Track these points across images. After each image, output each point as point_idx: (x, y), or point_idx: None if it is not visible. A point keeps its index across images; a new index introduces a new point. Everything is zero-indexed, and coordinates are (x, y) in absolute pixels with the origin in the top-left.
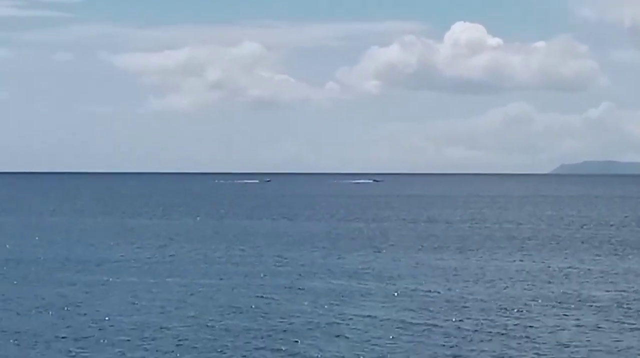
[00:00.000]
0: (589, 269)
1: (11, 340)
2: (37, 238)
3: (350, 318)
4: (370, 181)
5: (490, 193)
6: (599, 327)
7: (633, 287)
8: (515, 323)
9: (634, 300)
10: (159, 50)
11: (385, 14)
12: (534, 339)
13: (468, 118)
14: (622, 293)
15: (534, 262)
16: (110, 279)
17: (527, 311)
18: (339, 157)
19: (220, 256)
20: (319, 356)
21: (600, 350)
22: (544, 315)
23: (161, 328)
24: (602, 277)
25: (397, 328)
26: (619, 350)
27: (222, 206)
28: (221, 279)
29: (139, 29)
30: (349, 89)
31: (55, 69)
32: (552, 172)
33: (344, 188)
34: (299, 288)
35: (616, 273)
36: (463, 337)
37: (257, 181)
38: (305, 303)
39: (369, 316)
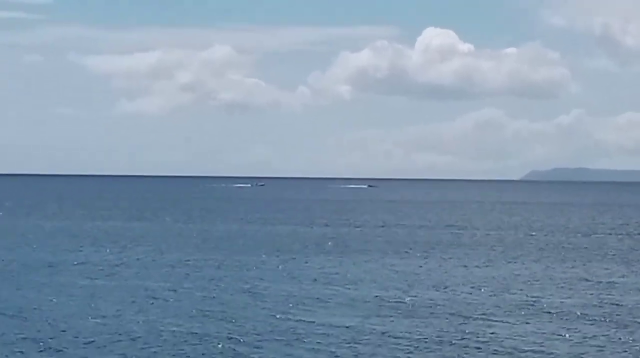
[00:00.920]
0: (552, 276)
1: None
2: None
3: (309, 324)
4: (365, 186)
5: (458, 199)
6: (558, 335)
7: (594, 295)
8: (475, 329)
9: (594, 307)
10: (130, 52)
11: (357, 19)
12: (491, 346)
13: (439, 123)
14: (583, 300)
15: (498, 268)
16: (70, 282)
17: (487, 318)
18: (310, 162)
19: (184, 260)
20: None
21: None
22: (504, 321)
23: (118, 332)
24: (564, 284)
25: (355, 334)
26: None
27: (196, 209)
28: (183, 283)
29: (110, 31)
30: (320, 94)
31: (25, 71)
32: (523, 178)
33: (333, 193)
34: (260, 293)
35: (579, 281)
36: (420, 344)
37: (249, 185)
38: (266, 308)
39: (328, 322)
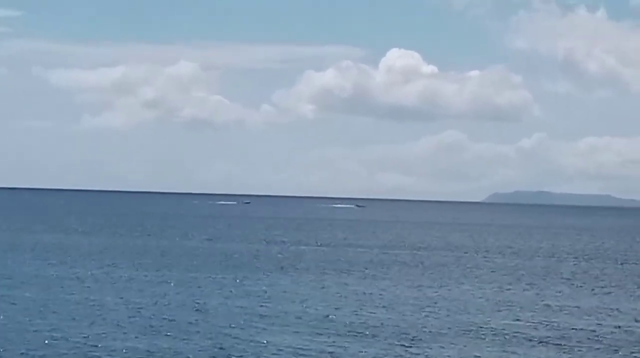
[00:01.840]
0: (502, 299)
1: None
2: None
3: (253, 342)
4: (353, 206)
5: (420, 220)
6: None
7: (542, 317)
8: (419, 351)
9: (540, 329)
10: (94, 67)
11: (322, 39)
12: None
13: (402, 144)
14: (529, 323)
15: (450, 289)
16: (21, 296)
17: (433, 339)
18: (273, 180)
19: (140, 275)
20: None
21: None
22: (450, 343)
23: (64, 347)
24: (513, 306)
25: (298, 352)
26: None
27: (157, 226)
28: (134, 298)
29: (75, 46)
30: (284, 112)
31: None
32: (485, 200)
33: (317, 212)
34: (210, 310)
35: (527, 303)
36: None
37: (235, 203)
38: (214, 325)
39: (273, 340)
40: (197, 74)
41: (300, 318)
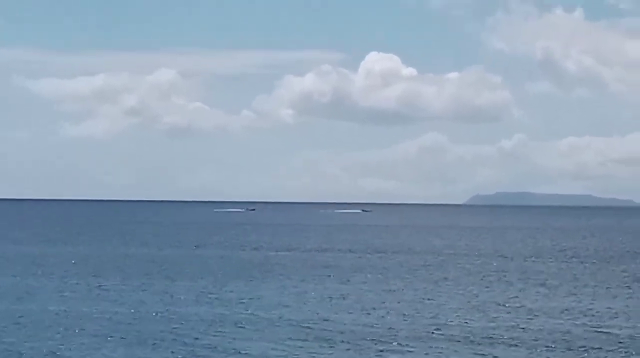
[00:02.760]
0: (475, 300)
1: None
2: None
3: (220, 348)
4: (359, 211)
5: (401, 223)
6: None
7: (512, 319)
8: (384, 355)
9: (509, 331)
10: (74, 76)
11: (301, 43)
12: None
13: (383, 148)
14: (500, 324)
15: (422, 292)
16: None
17: (403, 343)
18: (256, 185)
19: (113, 284)
20: None
21: None
22: (420, 346)
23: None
24: (485, 308)
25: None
26: None
27: (137, 235)
28: (105, 306)
29: (55, 55)
30: (265, 118)
31: None
32: (466, 202)
33: (330, 217)
34: (178, 318)
35: (499, 305)
36: None
37: (242, 210)
38: (181, 332)
39: (239, 346)
40: (177, 81)
41: (268, 323)
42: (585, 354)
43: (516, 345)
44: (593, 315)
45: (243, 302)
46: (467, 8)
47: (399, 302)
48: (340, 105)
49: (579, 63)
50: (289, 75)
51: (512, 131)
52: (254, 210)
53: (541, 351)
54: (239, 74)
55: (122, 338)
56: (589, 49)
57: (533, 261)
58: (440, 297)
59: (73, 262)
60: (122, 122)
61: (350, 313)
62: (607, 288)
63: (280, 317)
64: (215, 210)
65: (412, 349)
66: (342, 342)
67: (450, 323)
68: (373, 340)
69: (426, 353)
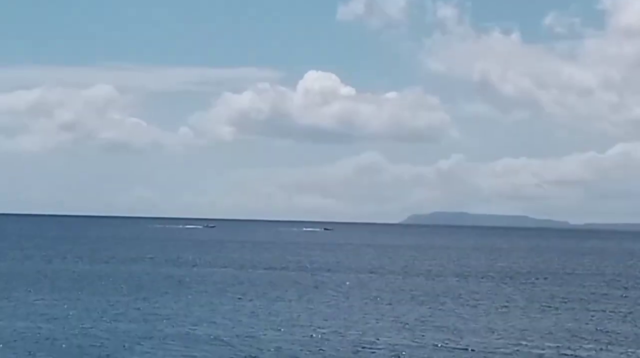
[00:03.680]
0: (394, 318)
1: None
2: None
3: None
4: (320, 230)
5: (335, 242)
6: None
7: (434, 337)
8: None
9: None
10: (10, 90)
11: (239, 61)
12: None
13: (320, 166)
14: (420, 343)
15: (344, 310)
16: None
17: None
18: (193, 203)
19: (37, 298)
20: None
21: None
22: None
23: None
24: (410, 327)
25: None
26: None
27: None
28: (22, 322)
29: None
30: (202, 135)
31: None
32: (403, 221)
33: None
34: (100, 334)
35: (423, 323)
36: None
37: (200, 226)
38: (102, 347)
39: None
40: (114, 96)
41: (190, 339)
42: None
43: None
44: (511, 334)
45: (170, 318)
46: (404, 29)
47: (325, 320)
48: (278, 123)
49: (516, 85)
50: (227, 93)
51: (450, 151)
52: (214, 226)
53: None
54: (176, 91)
55: (47, 355)
56: (525, 71)
57: (465, 280)
58: (367, 315)
59: None
60: (56, 137)
61: (275, 330)
62: (538, 307)
63: (200, 332)
64: (179, 226)
65: None
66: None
67: (375, 342)
68: (284, 357)
69: None
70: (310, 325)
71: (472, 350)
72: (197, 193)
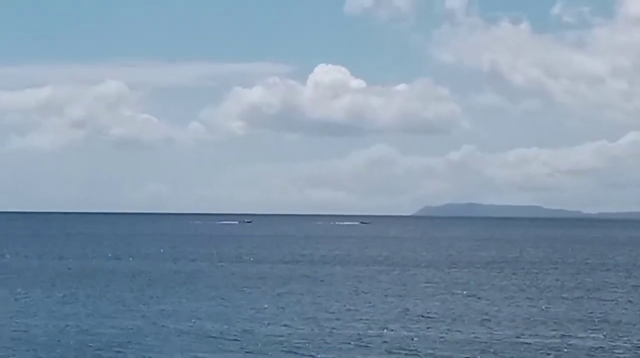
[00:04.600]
0: (400, 310)
1: None
2: None
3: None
4: (357, 223)
5: (347, 234)
6: None
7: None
8: None
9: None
10: (20, 88)
11: (249, 55)
12: None
13: (332, 160)
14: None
15: (344, 302)
16: None
17: (319, 351)
18: (204, 197)
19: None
20: None
21: None
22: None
23: None
24: (408, 318)
25: None
26: None
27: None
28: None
29: (1, 67)
30: (213, 130)
31: None
32: (415, 213)
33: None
34: (90, 329)
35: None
36: None
37: (236, 222)
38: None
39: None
40: (124, 92)
41: (186, 334)
42: None
43: (431, 355)
44: (518, 324)
45: (166, 314)
46: (413, 21)
47: (326, 312)
48: (288, 117)
49: (526, 75)
50: (237, 87)
51: (460, 143)
52: (250, 222)
53: None
54: (186, 86)
55: (41, 351)
56: (535, 61)
57: (475, 271)
58: (367, 307)
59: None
60: (68, 134)
61: (266, 322)
62: (549, 297)
63: (201, 328)
64: (216, 222)
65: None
66: (255, 351)
67: (369, 333)
68: (288, 349)
69: None
70: (306, 318)
71: (482, 340)
72: (210, 187)
